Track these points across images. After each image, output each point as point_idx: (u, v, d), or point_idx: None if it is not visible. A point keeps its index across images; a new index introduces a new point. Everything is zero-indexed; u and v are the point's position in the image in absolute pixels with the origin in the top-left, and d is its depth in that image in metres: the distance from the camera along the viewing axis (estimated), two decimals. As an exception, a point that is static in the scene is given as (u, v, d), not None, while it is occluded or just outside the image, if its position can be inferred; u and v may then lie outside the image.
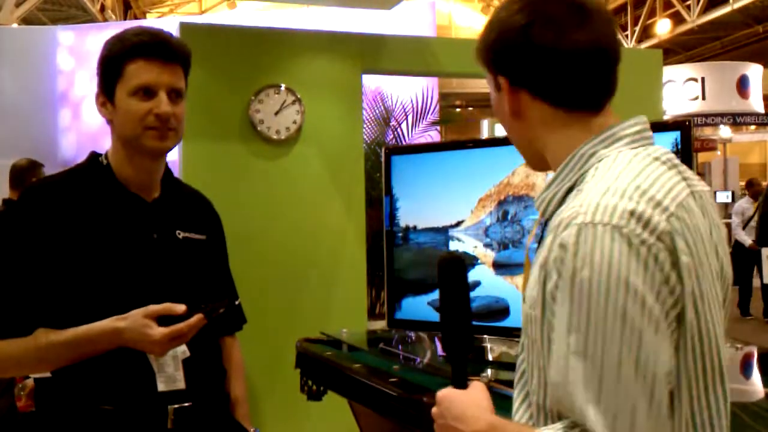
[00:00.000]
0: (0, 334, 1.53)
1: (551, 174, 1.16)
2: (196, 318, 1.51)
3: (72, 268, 1.55)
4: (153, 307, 1.51)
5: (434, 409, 1.11)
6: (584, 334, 0.93)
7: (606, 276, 0.92)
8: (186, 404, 1.58)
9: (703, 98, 16.13)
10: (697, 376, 0.98)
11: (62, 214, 1.57)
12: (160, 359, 1.57)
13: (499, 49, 1.11)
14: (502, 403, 1.16)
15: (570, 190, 1.07)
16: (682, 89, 15.87)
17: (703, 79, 16.13)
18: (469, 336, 1.14)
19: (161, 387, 1.56)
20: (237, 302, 1.87)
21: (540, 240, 1.19)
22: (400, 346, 2.61)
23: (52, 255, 1.54)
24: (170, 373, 1.57)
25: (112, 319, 1.52)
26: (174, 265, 1.66)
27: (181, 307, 1.52)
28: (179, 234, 1.69)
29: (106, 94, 1.63)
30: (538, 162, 1.18)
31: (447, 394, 1.11)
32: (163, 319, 1.51)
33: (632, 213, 0.94)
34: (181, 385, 1.58)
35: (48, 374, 1.62)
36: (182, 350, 1.60)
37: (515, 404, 1.14)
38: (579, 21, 1.06)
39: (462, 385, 1.12)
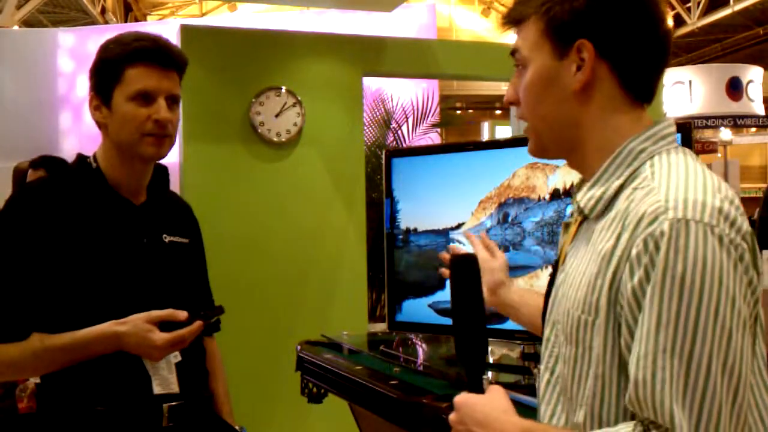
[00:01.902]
0: None
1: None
2: (196, 325, 1.53)
3: (65, 272, 1.55)
4: (156, 313, 1.52)
5: (452, 416, 1.08)
6: (674, 332, 0.90)
7: (701, 274, 0.90)
8: (180, 402, 1.60)
9: (690, 101, 16.12)
10: (761, 373, 0.99)
11: (54, 217, 1.57)
12: (155, 363, 1.58)
13: (596, 11, 1.04)
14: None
15: (620, 187, 1.03)
16: (670, 92, 15.88)
17: (690, 82, 16.12)
18: (484, 339, 1.11)
19: (157, 390, 1.57)
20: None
21: (566, 239, 1.15)
22: (400, 349, 2.61)
23: (45, 259, 1.54)
24: (165, 377, 1.59)
25: (110, 323, 1.52)
26: (162, 268, 1.67)
27: (183, 314, 1.53)
28: (165, 238, 1.70)
29: (102, 97, 1.62)
30: (559, 148, 1.13)
31: (466, 399, 1.07)
32: (162, 325, 1.51)
33: (720, 211, 0.93)
34: (175, 388, 1.60)
35: (38, 379, 1.62)
36: (174, 354, 1.61)
37: (545, 417, 1.11)
38: (660, 8, 1.08)
39: (478, 389, 1.08)
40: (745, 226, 0.94)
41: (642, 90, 1.08)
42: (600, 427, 1.00)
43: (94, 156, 1.68)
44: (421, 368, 2.17)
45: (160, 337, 1.50)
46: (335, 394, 2.21)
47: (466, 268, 1.11)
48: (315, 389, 2.32)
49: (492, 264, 1.53)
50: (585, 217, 1.09)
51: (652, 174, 1.00)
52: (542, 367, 1.13)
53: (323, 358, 2.26)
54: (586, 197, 1.07)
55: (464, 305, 1.10)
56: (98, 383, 1.56)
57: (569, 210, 1.22)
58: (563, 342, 1.06)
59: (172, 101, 1.62)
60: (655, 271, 0.91)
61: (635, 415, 0.94)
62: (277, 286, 3.77)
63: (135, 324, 1.51)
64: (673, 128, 1.07)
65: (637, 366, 0.92)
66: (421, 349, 2.60)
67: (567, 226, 1.17)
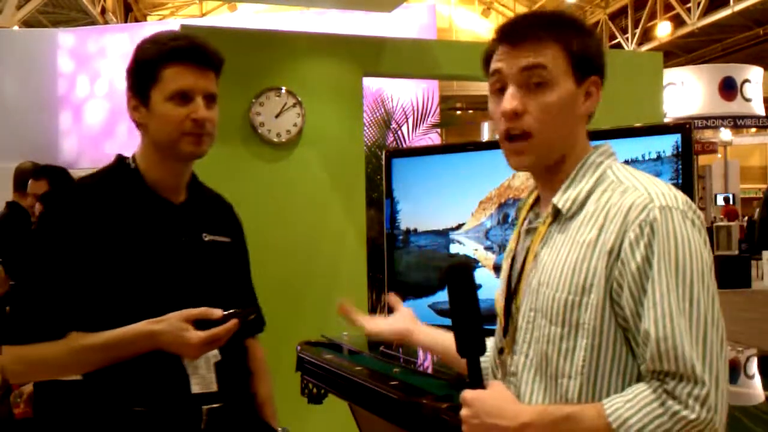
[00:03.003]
0: (33, 338, 1.52)
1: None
2: (232, 323, 1.52)
3: (103, 271, 1.55)
4: (190, 311, 1.52)
5: (464, 411, 1.16)
6: (677, 297, 1.09)
7: (689, 250, 1.11)
8: (218, 405, 1.59)
9: (681, 102, 16.12)
10: None
11: (92, 217, 1.57)
12: (193, 362, 1.57)
13: (601, 55, 1.28)
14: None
15: (590, 191, 1.22)
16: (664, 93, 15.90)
17: (683, 83, 16.14)
18: (482, 338, 1.20)
19: (195, 389, 1.56)
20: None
21: (535, 234, 1.30)
22: (400, 349, 2.61)
23: (84, 258, 1.54)
24: (203, 375, 1.58)
25: (147, 322, 1.52)
26: (201, 267, 1.66)
27: (218, 312, 1.52)
28: (205, 237, 1.70)
29: (140, 97, 1.62)
30: (551, 160, 1.27)
31: (476, 394, 1.16)
32: (198, 323, 1.51)
33: (686, 201, 1.16)
34: (213, 387, 1.59)
35: (78, 377, 1.61)
36: (214, 353, 1.60)
37: (526, 394, 1.23)
38: None
39: (480, 385, 1.17)
40: (702, 216, 1.17)
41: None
42: (594, 393, 1.15)
43: (133, 156, 1.69)
44: (421, 369, 2.17)
45: (195, 335, 1.49)
46: (335, 395, 2.21)
47: (461, 275, 1.22)
48: (315, 389, 2.32)
49: (397, 317, 1.66)
50: (554, 220, 1.25)
51: (618, 179, 1.21)
52: (517, 353, 1.26)
53: (323, 359, 2.26)
54: (563, 199, 1.24)
55: (462, 309, 1.20)
56: (137, 382, 1.55)
57: (520, 219, 1.39)
58: (545, 325, 1.20)
59: (210, 100, 1.63)
60: (656, 250, 1.11)
61: (642, 374, 1.12)
62: (277, 286, 3.77)
63: (170, 322, 1.50)
64: (612, 148, 1.30)
65: (656, 326, 1.09)
66: (421, 350, 2.60)
67: (528, 231, 1.32)
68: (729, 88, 16.40)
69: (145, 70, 1.60)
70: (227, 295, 1.66)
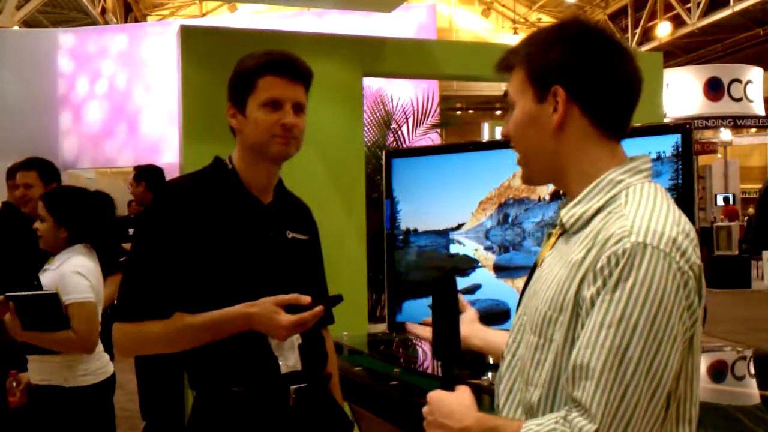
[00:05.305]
0: (144, 316, 1.72)
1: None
2: (318, 309, 1.70)
3: (203, 260, 1.74)
4: (282, 297, 1.70)
5: (425, 408, 1.24)
6: (614, 332, 1.07)
7: (646, 289, 1.07)
8: (304, 384, 1.78)
9: (669, 103, 16.15)
10: (692, 381, 1.17)
11: (195, 212, 1.76)
12: (280, 345, 1.76)
13: (568, 62, 1.21)
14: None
15: (598, 210, 1.19)
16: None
17: (668, 85, 16.18)
18: (457, 345, 1.29)
19: (283, 369, 1.76)
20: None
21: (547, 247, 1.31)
22: (400, 350, 2.61)
23: (188, 249, 1.73)
24: (289, 356, 1.77)
25: (243, 305, 1.70)
26: (285, 261, 1.86)
27: (306, 299, 1.71)
28: (289, 234, 1.90)
29: (238, 106, 1.81)
30: (544, 176, 1.31)
31: (436, 394, 1.24)
32: (288, 308, 1.69)
33: (674, 241, 1.10)
34: (298, 366, 1.78)
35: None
36: (296, 337, 1.78)
37: (503, 394, 1.28)
38: (629, 56, 1.24)
39: (449, 387, 1.25)
40: (694, 257, 1.12)
41: (613, 127, 1.24)
42: (553, 405, 1.18)
43: (230, 158, 1.87)
44: (420, 369, 2.17)
45: (286, 318, 1.67)
46: (335, 395, 2.21)
47: (446, 287, 1.30)
48: (315, 390, 2.31)
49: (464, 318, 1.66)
50: (563, 231, 1.26)
51: (626, 202, 1.17)
52: (505, 351, 1.30)
53: (323, 359, 2.26)
54: (568, 214, 1.24)
55: (442, 318, 1.29)
56: (233, 366, 1.74)
57: (554, 221, 1.36)
58: (528, 330, 1.24)
59: (298, 108, 1.81)
60: (610, 280, 1.09)
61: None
62: (277, 286, 3.77)
63: (264, 306, 1.69)
64: (649, 164, 1.24)
65: (578, 353, 1.10)
66: (421, 350, 2.60)
67: (550, 235, 1.34)
68: (714, 89, 16.44)
69: (244, 81, 1.80)
70: (305, 287, 1.83)
